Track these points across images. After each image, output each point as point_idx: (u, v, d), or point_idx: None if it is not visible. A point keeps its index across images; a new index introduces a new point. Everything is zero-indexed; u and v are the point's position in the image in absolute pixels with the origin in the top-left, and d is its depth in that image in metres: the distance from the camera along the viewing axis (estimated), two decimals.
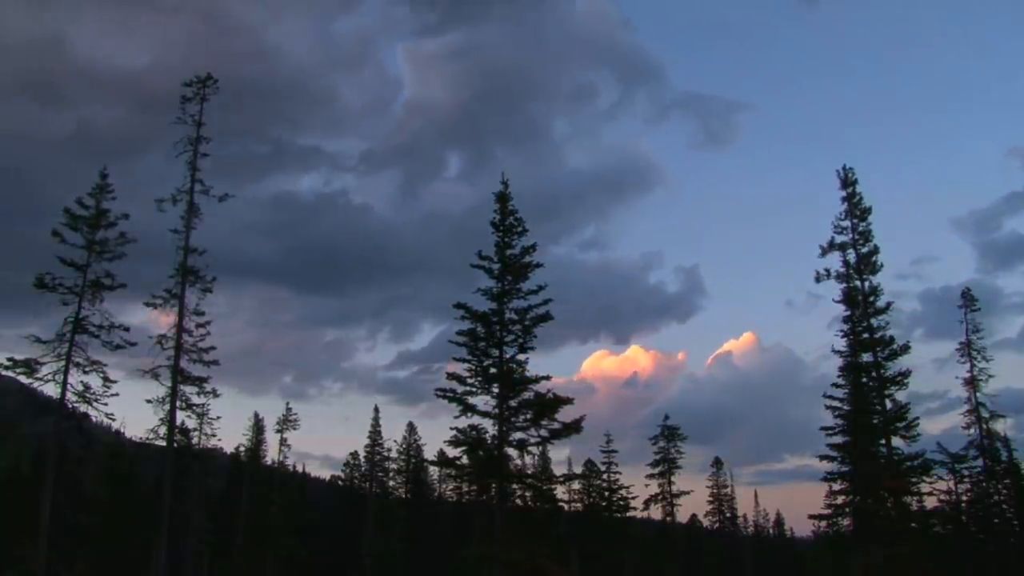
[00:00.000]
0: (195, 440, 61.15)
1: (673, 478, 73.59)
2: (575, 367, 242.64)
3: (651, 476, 73.78)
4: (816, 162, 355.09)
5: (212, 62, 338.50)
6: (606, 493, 74.41)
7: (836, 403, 43.29)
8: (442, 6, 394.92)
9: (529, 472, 50.95)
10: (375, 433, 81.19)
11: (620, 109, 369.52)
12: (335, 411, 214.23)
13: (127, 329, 34.66)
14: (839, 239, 43.50)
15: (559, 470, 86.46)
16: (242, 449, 79.72)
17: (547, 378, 33.36)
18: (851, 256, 43.17)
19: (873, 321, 42.09)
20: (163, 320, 36.31)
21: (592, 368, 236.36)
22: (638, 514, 77.26)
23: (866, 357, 42.03)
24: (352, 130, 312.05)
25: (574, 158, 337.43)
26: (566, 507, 72.21)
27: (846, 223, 43.52)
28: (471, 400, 33.39)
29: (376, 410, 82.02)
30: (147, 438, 36.80)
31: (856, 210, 43.49)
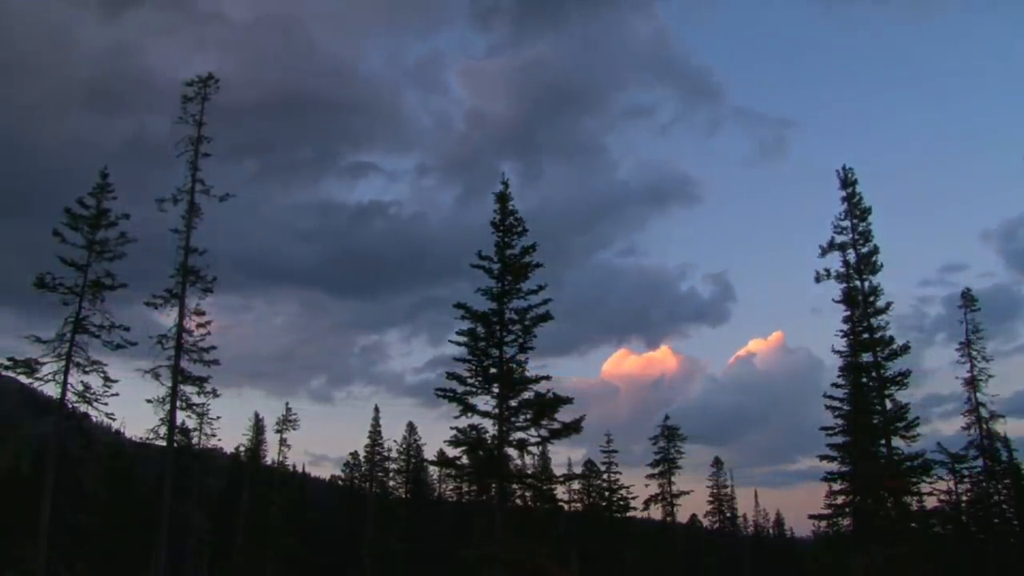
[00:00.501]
0: (195, 440, 61.21)
1: (673, 478, 73.69)
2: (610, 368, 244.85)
3: (651, 476, 73.85)
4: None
5: (283, 77, 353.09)
6: (606, 493, 74.42)
7: (836, 403, 43.33)
8: (503, 25, 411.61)
9: (529, 472, 51.13)
10: (375, 433, 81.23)
11: (672, 125, 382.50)
12: (364, 413, 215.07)
13: (127, 329, 34.72)
14: (839, 239, 43.53)
15: (561, 470, 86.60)
16: (242, 449, 79.83)
17: (547, 378, 33.36)
18: (851, 256, 43.19)
19: (873, 321, 42.09)
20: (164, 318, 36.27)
21: (614, 368, 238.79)
22: (638, 514, 77.37)
23: (866, 357, 42.03)
24: (412, 144, 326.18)
25: (623, 171, 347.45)
26: (566, 507, 72.24)
27: (846, 223, 43.55)
28: (471, 400, 33.42)
29: (376, 410, 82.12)
30: (147, 438, 36.83)
31: (856, 210, 43.49)
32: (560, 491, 69.57)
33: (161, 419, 35.54)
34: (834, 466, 42.81)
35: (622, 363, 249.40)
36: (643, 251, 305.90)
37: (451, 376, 33.49)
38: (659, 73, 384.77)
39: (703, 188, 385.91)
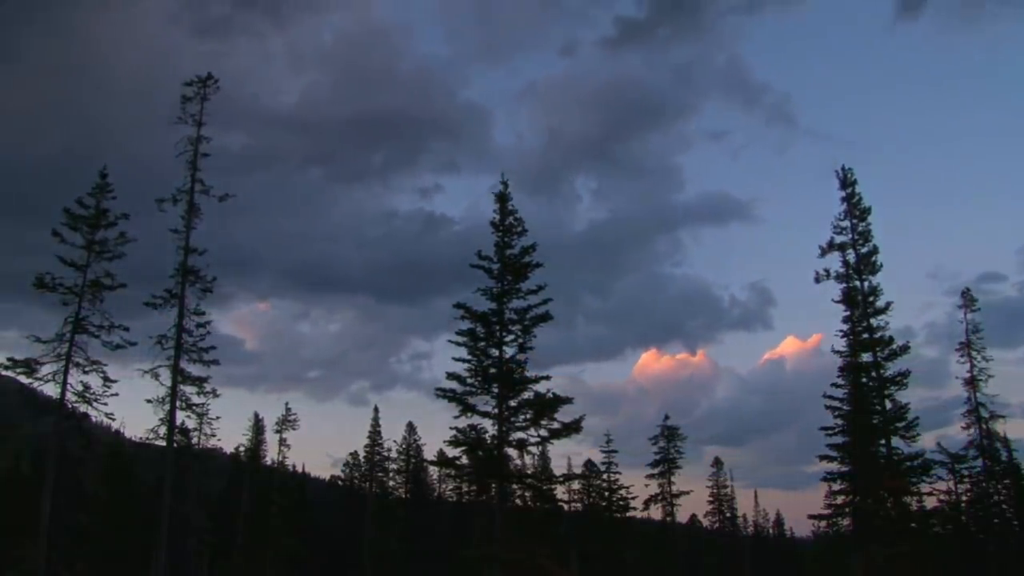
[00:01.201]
0: (195, 440, 61.14)
1: (673, 478, 73.67)
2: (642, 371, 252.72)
3: (651, 476, 73.82)
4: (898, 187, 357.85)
5: (358, 96, 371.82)
6: (606, 493, 74.42)
7: (836, 403, 43.34)
8: (587, 46, 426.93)
9: (529, 472, 51.09)
10: (375, 433, 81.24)
11: (743, 146, 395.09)
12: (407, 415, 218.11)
13: (127, 329, 34.73)
14: (839, 239, 43.53)
15: (561, 470, 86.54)
16: (242, 449, 79.86)
17: (547, 378, 33.39)
18: (851, 256, 43.19)
19: (873, 321, 42.10)
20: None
21: (644, 370, 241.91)
22: (638, 514, 77.38)
23: (866, 357, 42.03)
24: (489, 159, 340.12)
25: (689, 188, 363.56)
26: (566, 507, 72.25)
27: (845, 223, 43.54)
28: (471, 400, 33.42)
29: (376, 410, 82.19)
30: (147, 438, 36.83)
31: (856, 210, 43.50)
32: (560, 491, 69.72)
33: (161, 419, 35.55)
34: (834, 466, 42.85)
35: (652, 365, 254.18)
36: (693, 262, 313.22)
37: (451, 376, 33.52)
38: (735, 96, 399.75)
39: (764, 207, 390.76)
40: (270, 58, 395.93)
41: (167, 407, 35.50)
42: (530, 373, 33.46)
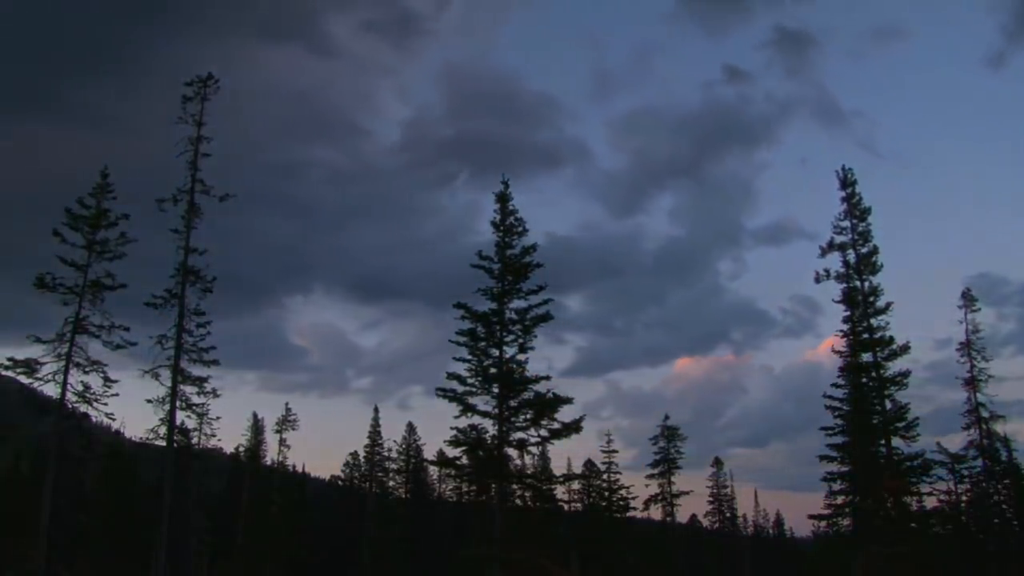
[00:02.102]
0: (195, 440, 61.14)
1: (673, 478, 73.67)
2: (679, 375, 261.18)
3: (651, 476, 73.82)
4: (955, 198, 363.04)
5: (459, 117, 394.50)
6: (606, 493, 74.40)
7: (836, 403, 43.33)
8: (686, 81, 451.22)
9: (529, 472, 51.11)
10: (375, 433, 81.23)
11: (818, 167, 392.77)
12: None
13: (127, 329, 34.72)
14: (839, 239, 43.55)
15: (561, 470, 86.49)
16: (242, 449, 79.88)
17: (547, 378, 33.42)
18: (851, 256, 43.20)
19: (873, 321, 42.11)
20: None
21: (680, 374, 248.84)
22: (638, 514, 77.37)
23: (866, 357, 42.04)
24: (576, 174, 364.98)
25: (760, 208, 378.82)
26: (566, 507, 72.28)
27: (845, 223, 43.57)
28: (471, 400, 33.44)
29: (376, 411, 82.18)
30: (147, 438, 36.76)
31: (856, 210, 43.51)
32: (560, 491, 69.75)
33: (161, 419, 35.50)
34: (834, 466, 42.84)
35: (690, 369, 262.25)
36: (751, 277, 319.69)
37: (451, 376, 33.53)
38: (820, 122, 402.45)
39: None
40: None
41: (167, 407, 35.47)
42: (530, 373, 33.52)
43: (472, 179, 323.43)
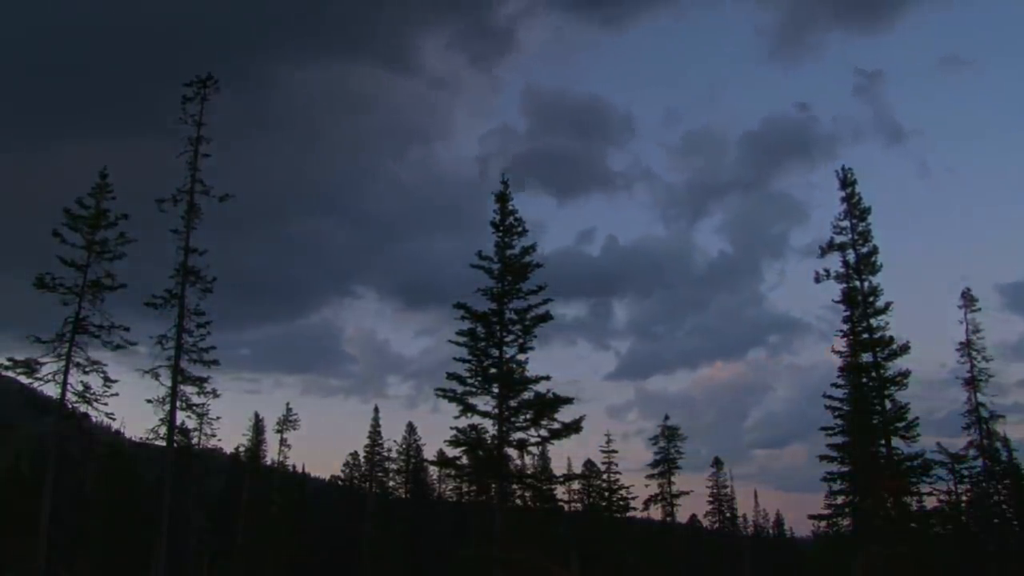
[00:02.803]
0: (195, 440, 61.19)
1: (673, 478, 73.65)
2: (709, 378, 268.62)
3: (651, 476, 73.79)
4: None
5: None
6: (606, 493, 74.41)
7: (836, 403, 43.33)
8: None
9: (529, 472, 51.08)
10: (375, 433, 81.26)
11: (874, 188, 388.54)
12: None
13: (127, 329, 34.72)
14: (838, 239, 43.53)
15: (561, 470, 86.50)
16: (242, 449, 79.88)
17: (547, 378, 33.38)
18: (851, 256, 43.19)
19: (873, 321, 42.10)
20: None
21: (708, 378, 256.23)
22: (638, 514, 77.37)
23: (866, 357, 42.03)
24: (642, 186, 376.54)
25: (811, 224, 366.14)
26: (566, 507, 72.28)
27: (845, 223, 43.54)
28: (471, 400, 33.42)
29: (376, 410, 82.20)
30: (147, 438, 36.83)
31: (855, 211, 43.50)
32: (560, 491, 69.77)
33: (161, 419, 35.54)
34: (834, 466, 42.82)
35: (718, 374, 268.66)
36: (789, 288, 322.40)
37: (451, 376, 33.51)
38: (878, 140, 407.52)
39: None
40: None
41: (167, 407, 35.50)
42: (530, 373, 33.51)
43: (539, 193, 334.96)
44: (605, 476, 74.60)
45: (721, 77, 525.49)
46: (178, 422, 37.89)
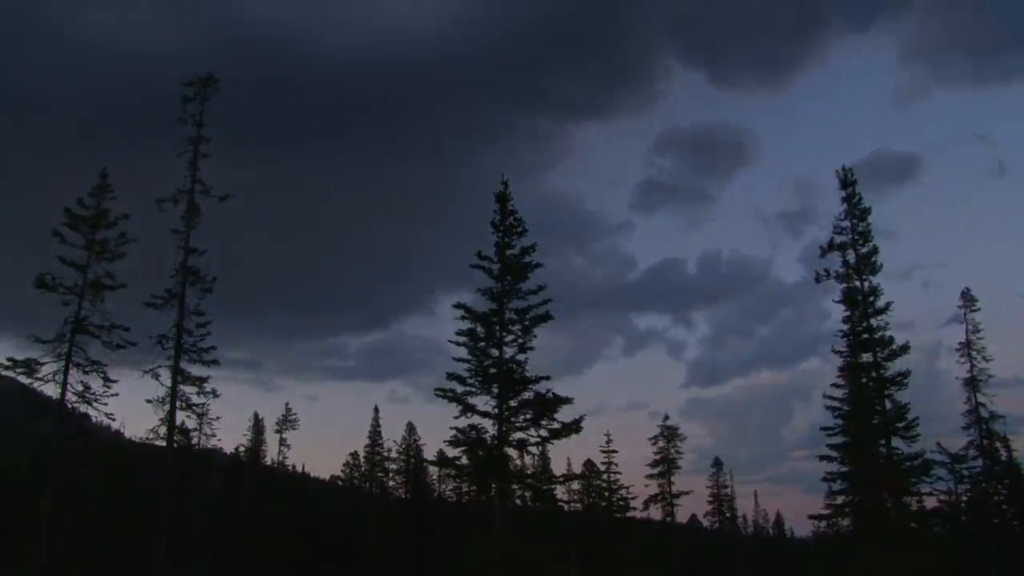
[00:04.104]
0: (195, 440, 61.17)
1: (673, 478, 73.67)
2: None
3: (651, 476, 73.81)
4: None
5: None
6: (606, 493, 74.42)
7: (836, 403, 43.34)
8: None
9: (529, 472, 51.10)
10: (375, 433, 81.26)
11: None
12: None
13: (127, 329, 34.71)
14: (839, 239, 43.48)
15: (561, 470, 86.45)
16: (242, 449, 79.90)
17: (547, 378, 33.41)
18: (851, 256, 43.14)
19: (873, 321, 42.09)
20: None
21: (750, 384, 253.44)
22: (638, 514, 77.38)
23: (866, 357, 42.03)
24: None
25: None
26: (566, 507, 72.25)
27: (845, 223, 43.46)
28: (471, 400, 33.45)
29: (376, 410, 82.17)
30: (147, 438, 36.77)
31: (856, 210, 43.46)
32: (560, 491, 69.69)
33: (161, 419, 35.46)
34: (834, 466, 42.83)
35: (760, 380, 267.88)
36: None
37: (451, 376, 33.53)
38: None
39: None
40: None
41: (167, 407, 35.44)
42: (530, 373, 33.51)
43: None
44: (605, 476, 74.68)
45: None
46: (178, 422, 37.86)
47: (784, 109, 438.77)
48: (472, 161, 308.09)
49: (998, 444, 53.83)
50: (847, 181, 43.96)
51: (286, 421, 74.78)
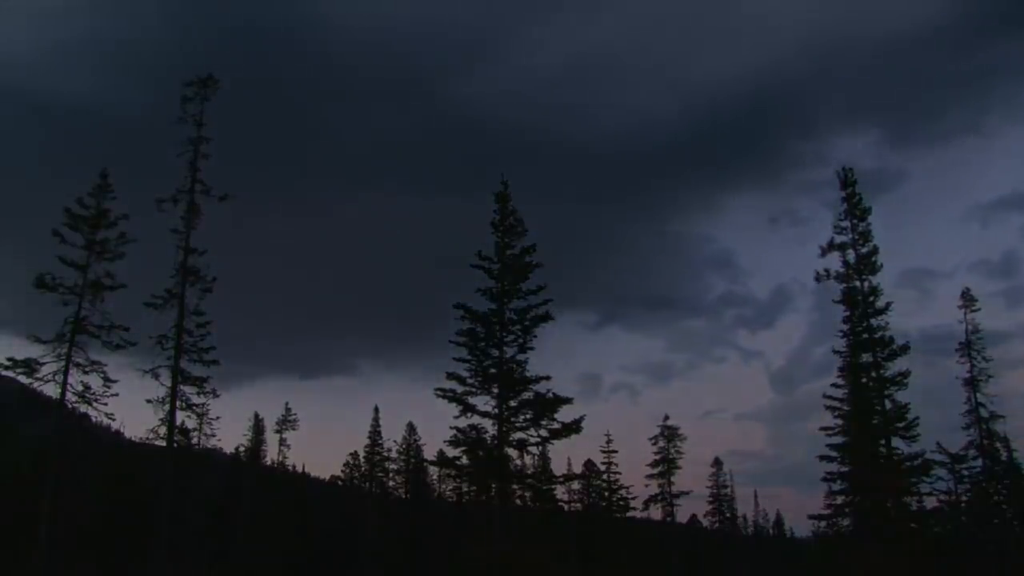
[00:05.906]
0: (195, 440, 61.14)
1: (673, 478, 73.70)
2: None
3: (651, 476, 73.84)
4: None
5: None
6: (606, 493, 74.43)
7: (836, 403, 43.36)
8: None
9: (529, 472, 51.05)
10: (375, 433, 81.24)
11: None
12: None
13: (127, 329, 34.72)
14: (839, 239, 43.47)
15: (562, 470, 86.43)
16: (242, 449, 79.88)
17: (547, 378, 33.39)
18: (851, 256, 43.13)
19: (873, 321, 42.09)
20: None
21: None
22: (638, 514, 77.39)
23: (865, 357, 42.03)
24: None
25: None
26: (566, 507, 72.27)
27: (845, 223, 43.43)
28: (471, 400, 33.44)
29: (376, 410, 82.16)
30: (147, 438, 36.81)
31: (856, 210, 43.44)
32: (560, 491, 69.69)
33: (161, 419, 35.51)
34: (834, 466, 42.85)
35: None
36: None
37: (451, 376, 33.52)
38: None
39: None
40: None
41: (167, 407, 35.47)
42: (530, 373, 33.51)
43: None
44: (605, 476, 74.70)
45: None
46: (178, 422, 37.89)
47: None
48: None
49: (998, 444, 53.88)
50: (847, 181, 43.98)
51: (286, 421, 74.79)
